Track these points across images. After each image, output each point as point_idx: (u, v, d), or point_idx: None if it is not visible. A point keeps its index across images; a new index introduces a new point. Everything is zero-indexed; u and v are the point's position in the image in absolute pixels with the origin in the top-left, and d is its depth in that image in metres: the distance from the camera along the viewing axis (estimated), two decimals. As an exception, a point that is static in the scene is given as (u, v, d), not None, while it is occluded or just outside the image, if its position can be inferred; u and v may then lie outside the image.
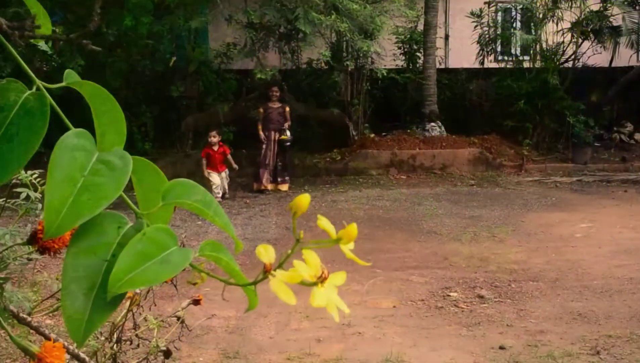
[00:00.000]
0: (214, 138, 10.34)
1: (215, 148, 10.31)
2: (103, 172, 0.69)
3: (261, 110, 11.03)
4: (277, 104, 10.98)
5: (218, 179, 10.22)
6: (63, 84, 0.75)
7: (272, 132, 10.91)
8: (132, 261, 0.66)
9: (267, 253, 0.71)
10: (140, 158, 0.75)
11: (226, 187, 10.34)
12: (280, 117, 10.92)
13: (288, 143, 10.89)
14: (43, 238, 0.96)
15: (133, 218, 0.75)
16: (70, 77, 0.76)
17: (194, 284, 0.80)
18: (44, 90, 0.73)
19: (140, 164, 0.75)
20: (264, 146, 10.88)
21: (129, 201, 0.75)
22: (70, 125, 0.73)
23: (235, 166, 10.45)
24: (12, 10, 7.35)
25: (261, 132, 10.93)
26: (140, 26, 10.85)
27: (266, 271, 0.71)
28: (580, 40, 13.22)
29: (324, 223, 0.75)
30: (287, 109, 11.06)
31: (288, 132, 10.88)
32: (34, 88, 0.72)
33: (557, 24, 13.07)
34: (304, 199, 0.74)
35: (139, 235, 0.68)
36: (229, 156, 10.42)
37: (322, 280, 0.72)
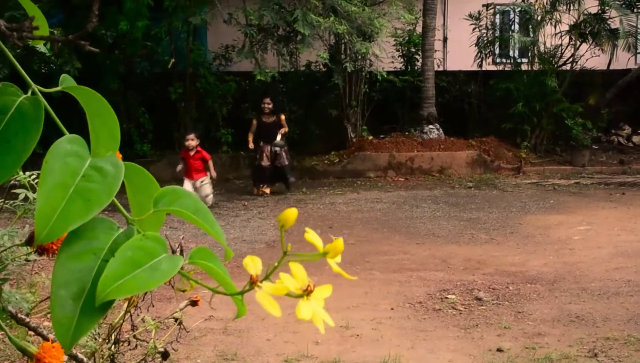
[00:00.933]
0: (192, 141, 9.39)
1: (192, 153, 9.38)
2: (95, 178, 0.69)
3: (254, 123, 10.62)
4: (270, 118, 10.56)
5: (189, 187, 9.12)
6: (58, 88, 0.76)
7: (267, 146, 10.48)
8: (120, 268, 0.66)
9: (254, 265, 0.72)
10: (133, 164, 0.76)
11: (200, 197, 8.82)
12: (275, 128, 10.48)
13: (278, 148, 10.43)
14: (34, 243, 0.97)
15: (125, 222, 0.76)
16: (66, 82, 0.77)
17: (183, 291, 0.81)
18: (39, 94, 0.73)
19: (133, 171, 0.75)
20: (257, 156, 10.52)
21: (121, 207, 0.76)
22: (64, 130, 0.74)
23: (214, 174, 9.61)
24: (9, 13, 7.35)
25: (251, 143, 10.55)
26: (135, 30, 10.84)
27: (253, 283, 0.71)
28: (578, 43, 13.24)
29: (311, 236, 0.75)
30: (283, 117, 10.66)
31: (279, 137, 10.44)
32: (29, 92, 0.73)
33: (555, 27, 13.09)
34: (291, 213, 0.75)
35: (128, 242, 0.68)
36: (210, 163, 9.55)
37: (308, 292, 0.73)
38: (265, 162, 10.48)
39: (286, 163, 10.62)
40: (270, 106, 10.50)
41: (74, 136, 0.72)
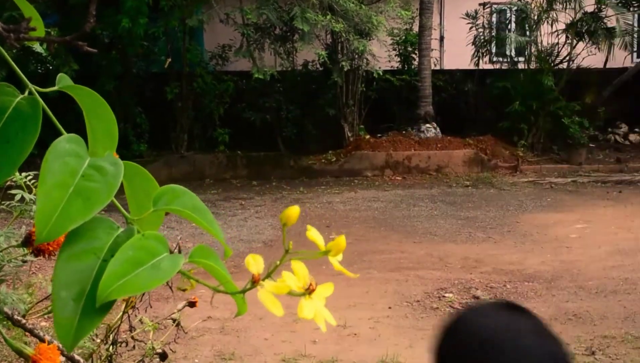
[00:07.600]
0: None
1: None
2: (95, 177, 0.69)
3: None
4: None
5: None
6: (55, 88, 0.76)
7: None
8: (122, 267, 0.66)
9: (255, 263, 0.71)
10: (132, 163, 0.76)
11: None
12: None
13: None
14: (35, 243, 0.97)
15: (123, 222, 0.75)
16: (63, 81, 0.77)
17: (184, 290, 0.80)
18: (37, 94, 0.73)
19: (132, 170, 0.75)
20: None
21: (120, 207, 0.75)
22: (62, 130, 0.74)
23: None
24: (7, 14, 7.34)
25: None
26: (136, 27, 10.83)
27: (254, 282, 0.71)
28: (574, 42, 13.25)
29: (313, 234, 0.75)
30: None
31: None
32: (27, 92, 0.73)
33: (551, 25, 13.10)
34: (293, 211, 0.74)
35: (130, 241, 0.68)
36: None
37: (310, 291, 0.72)
38: None
39: None
40: None
41: (72, 136, 0.72)
